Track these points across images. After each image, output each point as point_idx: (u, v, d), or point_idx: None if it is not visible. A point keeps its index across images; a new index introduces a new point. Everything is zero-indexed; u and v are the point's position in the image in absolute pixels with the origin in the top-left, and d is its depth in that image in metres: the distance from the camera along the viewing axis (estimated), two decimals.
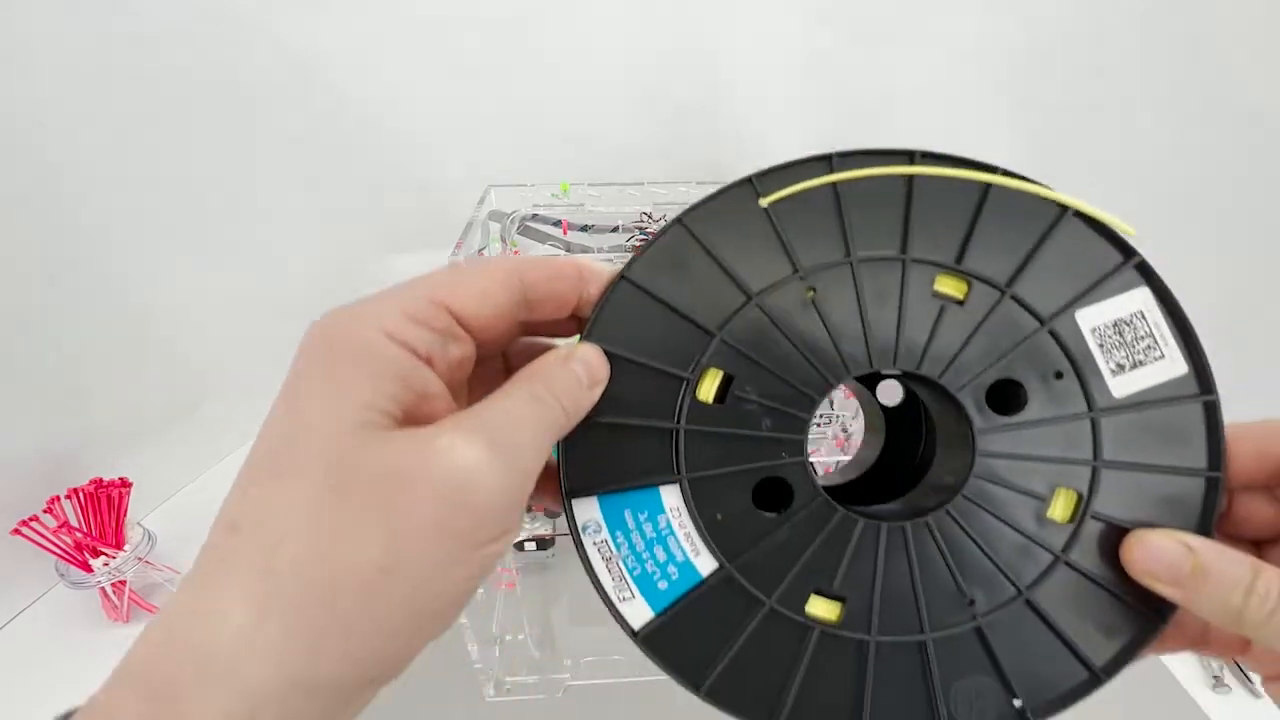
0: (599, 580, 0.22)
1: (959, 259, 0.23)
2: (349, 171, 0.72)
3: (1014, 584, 0.22)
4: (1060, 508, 0.22)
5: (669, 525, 0.22)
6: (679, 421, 0.22)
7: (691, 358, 0.22)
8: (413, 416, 0.18)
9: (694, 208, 0.23)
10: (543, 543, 0.60)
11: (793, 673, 0.22)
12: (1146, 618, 0.22)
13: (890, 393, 0.29)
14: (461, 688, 0.55)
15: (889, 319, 0.22)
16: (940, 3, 0.66)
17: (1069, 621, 0.22)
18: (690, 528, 0.22)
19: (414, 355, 0.18)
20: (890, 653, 0.22)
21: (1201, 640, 0.23)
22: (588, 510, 0.22)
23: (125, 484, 0.63)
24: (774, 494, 0.23)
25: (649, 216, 0.60)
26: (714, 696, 0.22)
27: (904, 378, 0.23)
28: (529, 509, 0.50)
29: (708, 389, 0.22)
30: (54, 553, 0.58)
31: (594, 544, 0.22)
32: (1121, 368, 0.22)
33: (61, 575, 0.59)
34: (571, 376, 0.20)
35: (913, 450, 0.26)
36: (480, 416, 0.18)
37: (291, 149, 0.70)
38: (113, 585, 0.59)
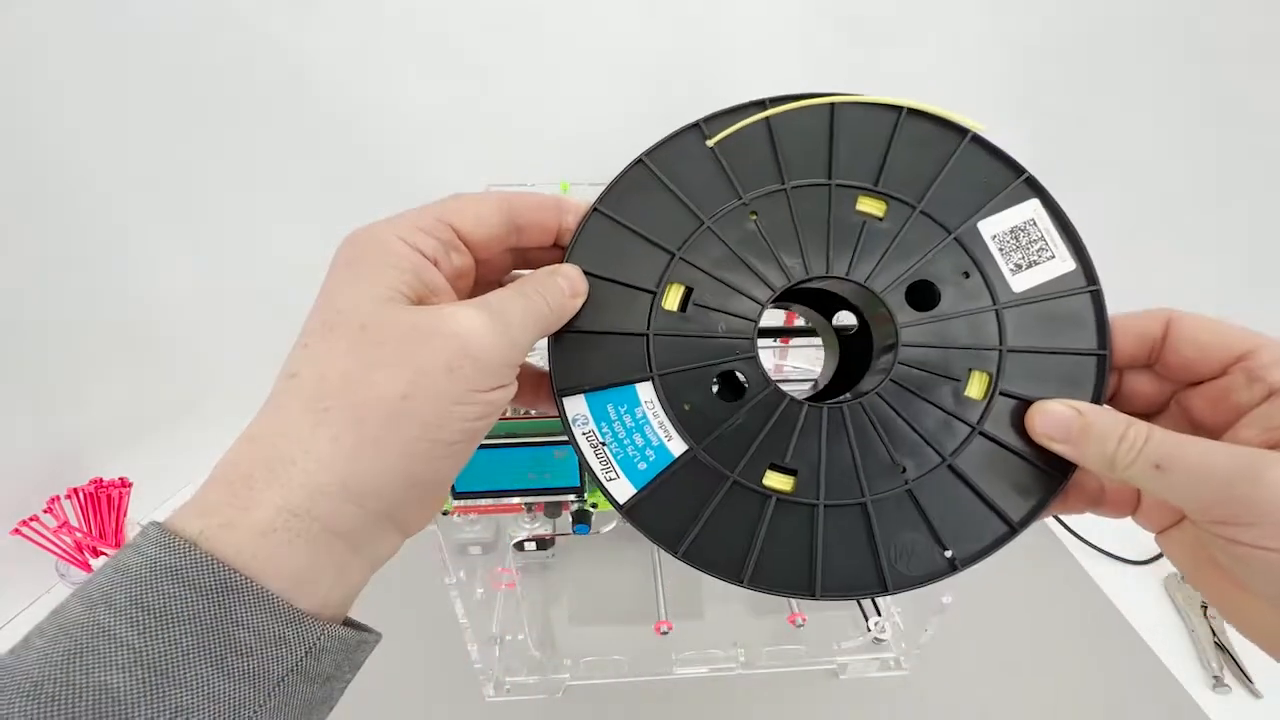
0: (589, 464, 0.26)
1: (876, 182, 0.27)
2: (349, 171, 0.72)
3: (938, 452, 0.26)
4: (975, 387, 0.26)
5: (645, 415, 0.26)
6: (649, 329, 0.26)
7: (657, 275, 0.26)
8: (424, 303, 0.22)
9: (652, 149, 0.27)
10: (543, 543, 0.60)
11: (755, 535, 0.25)
12: (1051, 477, 0.25)
13: (845, 320, 0.33)
14: (461, 688, 0.55)
15: (820, 236, 0.27)
16: (940, 3, 0.66)
17: (987, 483, 0.25)
18: (663, 416, 0.26)
19: (423, 256, 0.22)
20: (837, 515, 0.25)
21: (1099, 499, 0.26)
22: (576, 406, 0.26)
23: (125, 484, 0.63)
24: (731, 386, 0.26)
25: None
26: (690, 558, 0.25)
27: (834, 280, 0.27)
28: (529, 508, 0.50)
29: (672, 300, 0.26)
30: (54, 553, 0.58)
31: (582, 434, 0.26)
32: (1019, 267, 0.26)
33: (61, 575, 0.59)
34: (555, 284, 0.24)
35: (865, 365, 0.30)
36: (481, 299, 0.22)
37: (291, 149, 0.70)
38: None
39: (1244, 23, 0.65)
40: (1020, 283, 0.26)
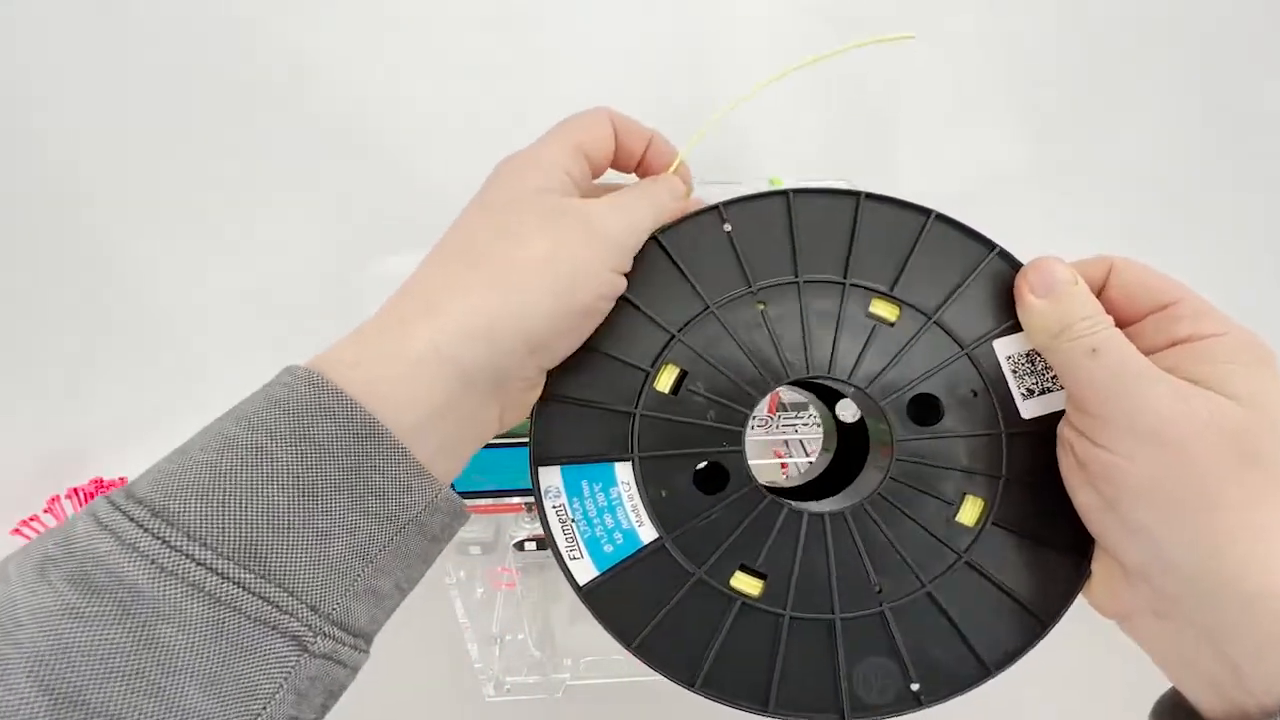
0: (554, 539, 0.25)
1: (893, 286, 0.26)
2: (348, 172, 0.72)
3: (918, 577, 0.24)
4: (968, 513, 0.25)
5: (619, 497, 0.25)
6: (637, 407, 0.25)
7: (653, 353, 0.26)
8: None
9: (667, 227, 0.27)
10: (543, 543, 0.60)
11: (714, 637, 0.24)
12: (1034, 621, 0.24)
13: (848, 410, 0.32)
14: (461, 688, 0.55)
15: (827, 334, 0.26)
16: (942, 3, 0.66)
17: (965, 618, 0.24)
18: (637, 500, 0.25)
19: (564, 168, 0.26)
20: (802, 628, 0.24)
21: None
22: (551, 477, 0.25)
23: (125, 484, 0.63)
24: (713, 478, 0.25)
25: None
26: (643, 653, 0.24)
27: (835, 382, 0.26)
28: (529, 508, 0.50)
29: (665, 381, 0.26)
30: None
31: (553, 507, 0.25)
32: (1031, 392, 0.25)
33: None
34: (664, 186, 0.28)
35: (862, 459, 0.29)
36: (606, 197, 0.26)
37: (290, 149, 0.70)
38: None
39: (1247, 22, 0.65)
40: (1030, 409, 0.25)
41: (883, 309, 0.26)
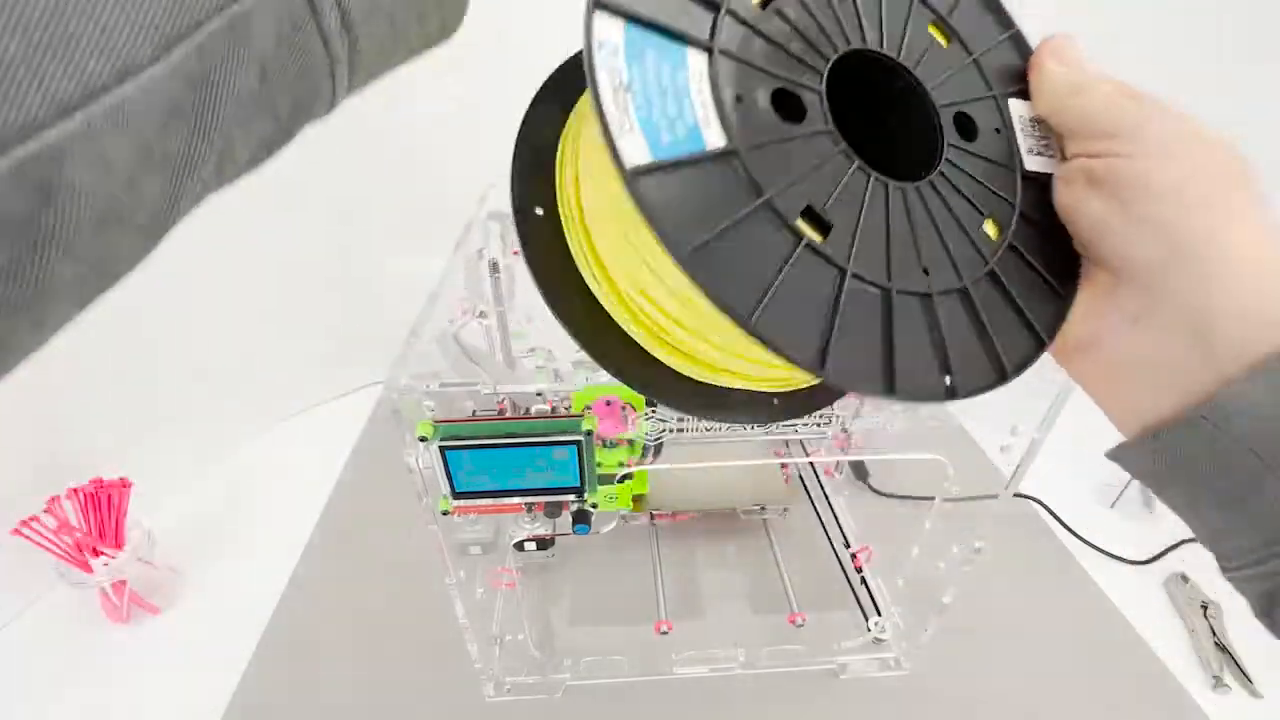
0: (600, 103, 0.19)
1: (951, 12, 0.27)
2: (349, 172, 0.72)
3: (958, 273, 0.25)
4: (991, 227, 0.26)
5: (688, 85, 0.21)
6: (726, 5, 0.22)
7: None
8: None
9: None
10: (543, 543, 0.60)
11: (775, 273, 0.21)
12: (1036, 338, 0.26)
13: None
14: (461, 688, 0.55)
15: (897, 29, 0.26)
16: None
17: (991, 321, 0.25)
18: (708, 96, 0.21)
19: None
20: (859, 291, 0.22)
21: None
22: (610, 30, 0.20)
23: (125, 484, 0.63)
24: (789, 107, 0.22)
25: None
26: (693, 265, 0.20)
27: (903, 71, 0.26)
28: (529, 509, 0.50)
29: None
30: (54, 553, 0.58)
31: (606, 66, 0.20)
32: (1031, 150, 0.28)
33: (61, 575, 0.59)
34: None
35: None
36: None
37: (291, 149, 0.70)
38: (113, 585, 0.59)
39: (1250, 21, 0.65)
40: (1030, 163, 0.27)
41: (937, 33, 0.27)
